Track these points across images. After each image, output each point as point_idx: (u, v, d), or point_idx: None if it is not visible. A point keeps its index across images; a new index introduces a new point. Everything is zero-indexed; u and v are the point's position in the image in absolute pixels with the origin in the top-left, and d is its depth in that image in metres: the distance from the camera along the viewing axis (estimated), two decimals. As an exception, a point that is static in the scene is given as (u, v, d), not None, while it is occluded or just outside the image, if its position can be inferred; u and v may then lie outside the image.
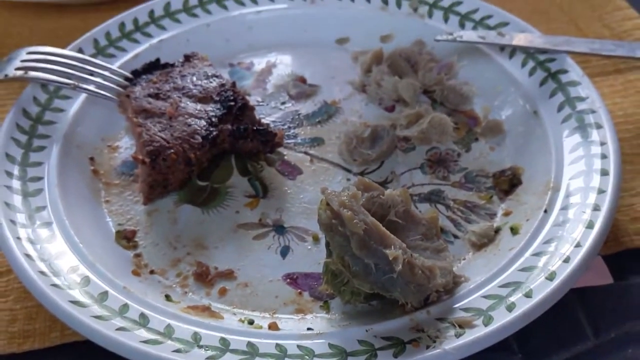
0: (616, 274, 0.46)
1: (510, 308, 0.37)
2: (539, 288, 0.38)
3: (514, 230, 0.45)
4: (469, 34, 0.57)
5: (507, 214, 0.47)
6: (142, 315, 0.38)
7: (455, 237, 0.46)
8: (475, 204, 0.48)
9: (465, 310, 0.38)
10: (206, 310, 0.41)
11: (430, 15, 0.62)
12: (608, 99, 0.59)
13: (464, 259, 0.45)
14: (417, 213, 0.43)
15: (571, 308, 0.43)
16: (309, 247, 0.46)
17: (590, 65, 0.63)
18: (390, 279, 0.37)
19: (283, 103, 0.58)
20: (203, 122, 0.49)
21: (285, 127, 0.55)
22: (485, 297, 0.39)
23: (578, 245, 0.40)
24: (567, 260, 0.39)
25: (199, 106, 0.50)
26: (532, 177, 0.48)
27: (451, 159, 0.52)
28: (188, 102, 0.50)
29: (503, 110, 0.55)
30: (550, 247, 0.41)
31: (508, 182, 0.49)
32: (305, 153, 0.53)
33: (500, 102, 0.56)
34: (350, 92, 0.59)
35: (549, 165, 0.47)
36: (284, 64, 0.62)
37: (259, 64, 0.62)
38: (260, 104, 0.58)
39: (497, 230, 0.46)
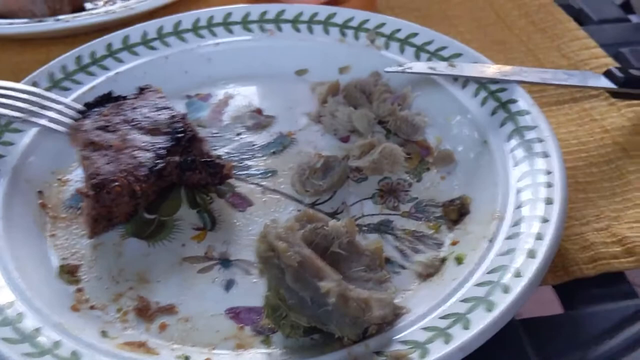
0: (566, 303, 0.46)
1: (448, 340, 0.37)
2: (478, 319, 0.38)
3: (459, 260, 0.44)
4: (419, 65, 0.57)
5: (454, 243, 0.47)
6: (74, 352, 0.38)
7: (402, 267, 0.46)
8: (424, 234, 0.48)
9: (404, 342, 0.37)
10: (142, 346, 0.40)
11: (387, 46, 0.63)
12: (563, 128, 0.60)
13: (410, 290, 0.44)
14: (361, 244, 0.43)
15: (518, 339, 0.43)
16: (254, 280, 0.45)
17: (547, 94, 0.64)
18: (325, 311, 0.37)
19: (238, 134, 0.58)
20: (150, 154, 0.49)
21: (239, 158, 0.55)
22: (425, 329, 0.38)
23: (519, 275, 0.40)
24: (507, 291, 0.39)
25: (147, 138, 0.50)
26: (480, 207, 0.48)
27: (402, 189, 0.52)
28: (137, 135, 0.50)
29: (455, 140, 0.55)
30: (492, 277, 0.41)
31: (457, 212, 0.49)
32: (257, 185, 0.53)
33: (453, 132, 0.56)
34: (307, 123, 0.59)
35: (495, 194, 0.47)
36: (241, 96, 0.62)
37: (217, 95, 0.62)
38: (215, 135, 0.58)
39: (444, 260, 0.45)
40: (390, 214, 0.50)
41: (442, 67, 0.57)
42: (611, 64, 0.67)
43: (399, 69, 0.56)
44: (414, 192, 0.52)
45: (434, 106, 0.58)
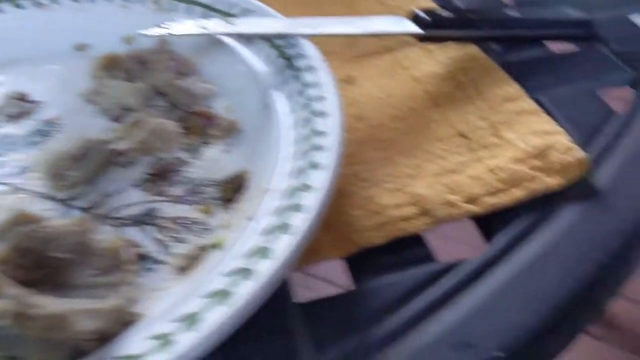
0: (357, 277, 0.41)
1: (168, 349, 0.30)
2: (211, 318, 0.32)
3: (219, 246, 0.38)
4: (185, 25, 0.50)
5: (226, 226, 0.41)
6: None
7: (160, 262, 0.39)
8: (194, 220, 0.42)
9: (118, 358, 0.31)
10: None
11: (174, 8, 0.56)
12: (374, 81, 0.55)
13: (163, 289, 0.38)
14: (95, 244, 0.36)
15: (291, 325, 0.37)
16: (-24, 300, 0.37)
17: (358, 45, 0.58)
18: (8, 336, 0.30)
19: (-6, 127, 0.49)
20: None
21: (-13, 155, 0.47)
22: (152, 337, 0.32)
23: (268, 256, 0.34)
24: (251, 278, 0.33)
25: None
26: (254, 181, 0.42)
27: (176, 170, 0.45)
28: None
29: (242, 107, 0.49)
30: (242, 263, 0.35)
31: (233, 190, 0.43)
32: (4, 184, 0.45)
33: (240, 99, 0.49)
34: (79, 105, 0.51)
35: (268, 164, 0.41)
36: (8, 82, 0.53)
37: (-25, 84, 0.53)
38: (-35, 131, 0.49)
39: (208, 248, 0.39)
40: (157, 201, 0.43)
41: (215, 25, 0.50)
42: (433, 8, 0.62)
43: (160, 31, 0.49)
44: (190, 172, 0.45)
45: (223, 71, 0.51)
